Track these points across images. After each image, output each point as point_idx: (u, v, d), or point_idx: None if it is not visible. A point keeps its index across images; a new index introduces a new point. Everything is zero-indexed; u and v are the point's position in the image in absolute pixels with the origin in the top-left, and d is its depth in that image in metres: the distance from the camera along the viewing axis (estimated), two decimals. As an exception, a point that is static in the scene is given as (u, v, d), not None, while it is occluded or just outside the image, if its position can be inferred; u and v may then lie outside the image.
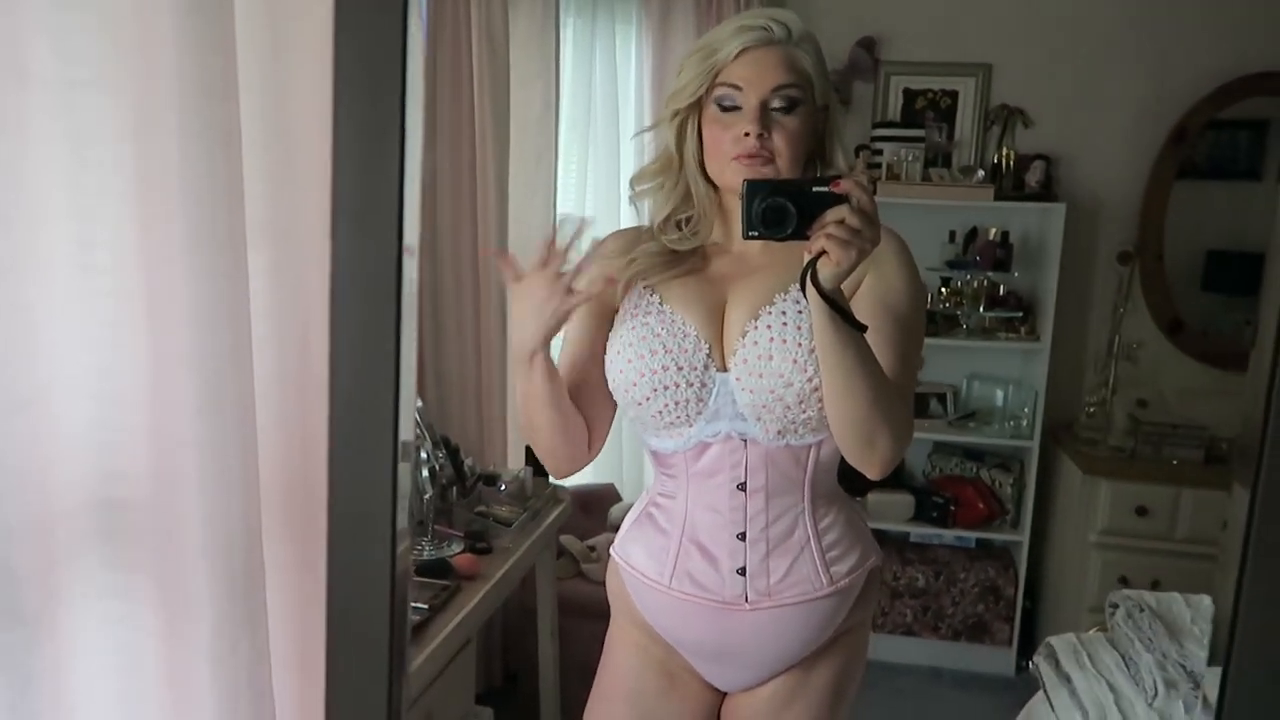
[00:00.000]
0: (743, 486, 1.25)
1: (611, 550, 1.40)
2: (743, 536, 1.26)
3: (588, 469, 3.29)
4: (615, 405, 1.32)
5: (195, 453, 0.90)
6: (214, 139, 0.89)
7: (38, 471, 0.86)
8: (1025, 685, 3.00)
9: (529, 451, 2.52)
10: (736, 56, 1.19)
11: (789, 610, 1.27)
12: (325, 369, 0.93)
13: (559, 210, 2.96)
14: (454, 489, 2.17)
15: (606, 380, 1.28)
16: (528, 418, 1.26)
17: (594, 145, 3.13)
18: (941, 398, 3.30)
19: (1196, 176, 3.17)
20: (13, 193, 0.83)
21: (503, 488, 2.34)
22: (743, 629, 1.28)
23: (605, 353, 1.28)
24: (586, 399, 1.29)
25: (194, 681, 0.93)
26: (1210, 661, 1.82)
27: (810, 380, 1.18)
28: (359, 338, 0.59)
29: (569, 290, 1.17)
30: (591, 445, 1.32)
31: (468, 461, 2.27)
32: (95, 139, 0.86)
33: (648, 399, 1.23)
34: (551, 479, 2.49)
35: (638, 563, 1.33)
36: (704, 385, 1.22)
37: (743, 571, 1.27)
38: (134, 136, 0.86)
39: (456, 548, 2.04)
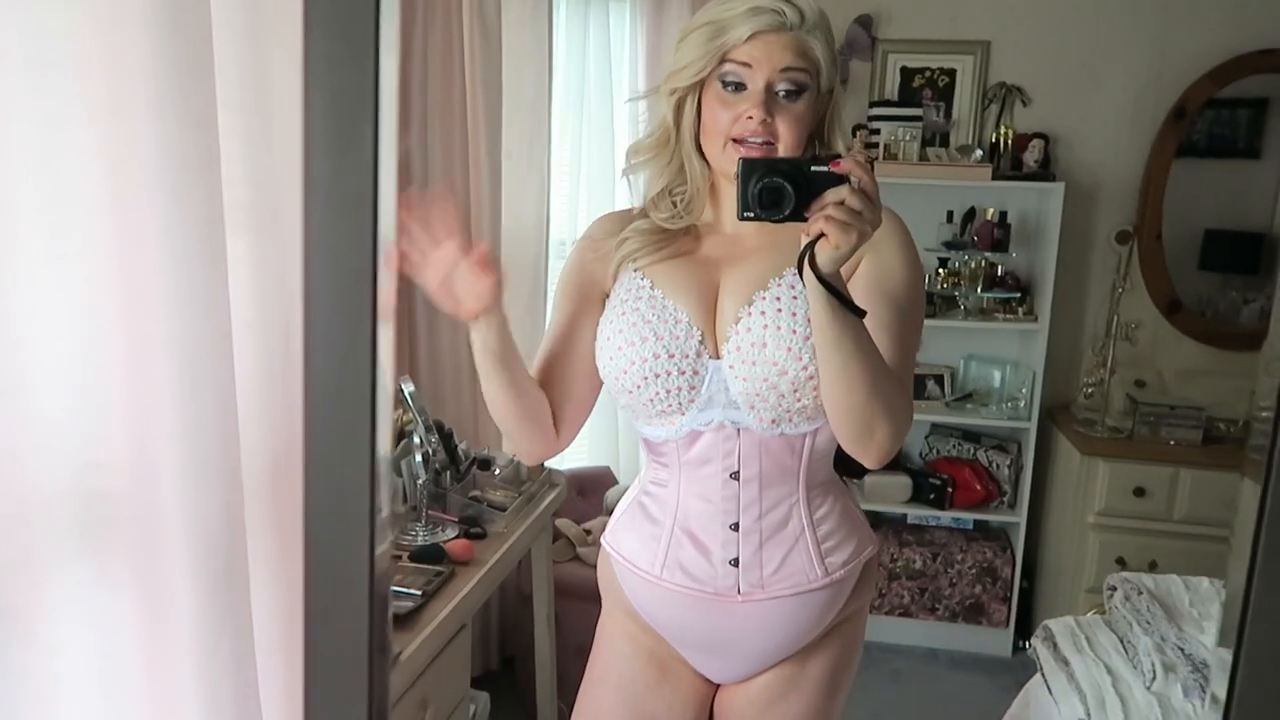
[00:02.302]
0: (736, 475, 1.22)
1: (602, 539, 1.37)
2: (736, 527, 1.23)
3: (583, 452, 3.28)
4: (592, 394, 1.29)
5: (174, 443, 0.88)
6: (189, 120, 0.86)
7: (13, 462, 0.85)
8: (1022, 666, 3.00)
9: (524, 436, 2.50)
10: (747, 40, 1.14)
11: (782, 602, 1.25)
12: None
13: (552, 192, 2.93)
14: (448, 473, 2.15)
15: (592, 367, 1.25)
16: (488, 397, 1.19)
17: (588, 127, 3.09)
18: (939, 379, 3.29)
19: (1195, 155, 3.14)
20: (-19, 178, 0.81)
21: (497, 472, 2.32)
22: (735, 621, 1.26)
23: (595, 339, 1.25)
24: (559, 386, 1.25)
25: (178, 673, 0.92)
26: (1220, 643, 1.80)
27: (805, 368, 1.15)
28: (335, 330, 0.57)
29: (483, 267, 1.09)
30: (560, 433, 1.27)
31: (461, 445, 2.25)
32: (66, 120, 0.84)
33: (638, 387, 1.20)
34: (545, 464, 2.48)
35: (628, 552, 1.31)
36: (696, 373, 1.19)
37: (735, 562, 1.24)
38: (106, 118, 0.84)
39: (451, 533, 2.02)
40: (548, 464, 2.50)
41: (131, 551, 0.90)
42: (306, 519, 0.56)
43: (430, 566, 1.87)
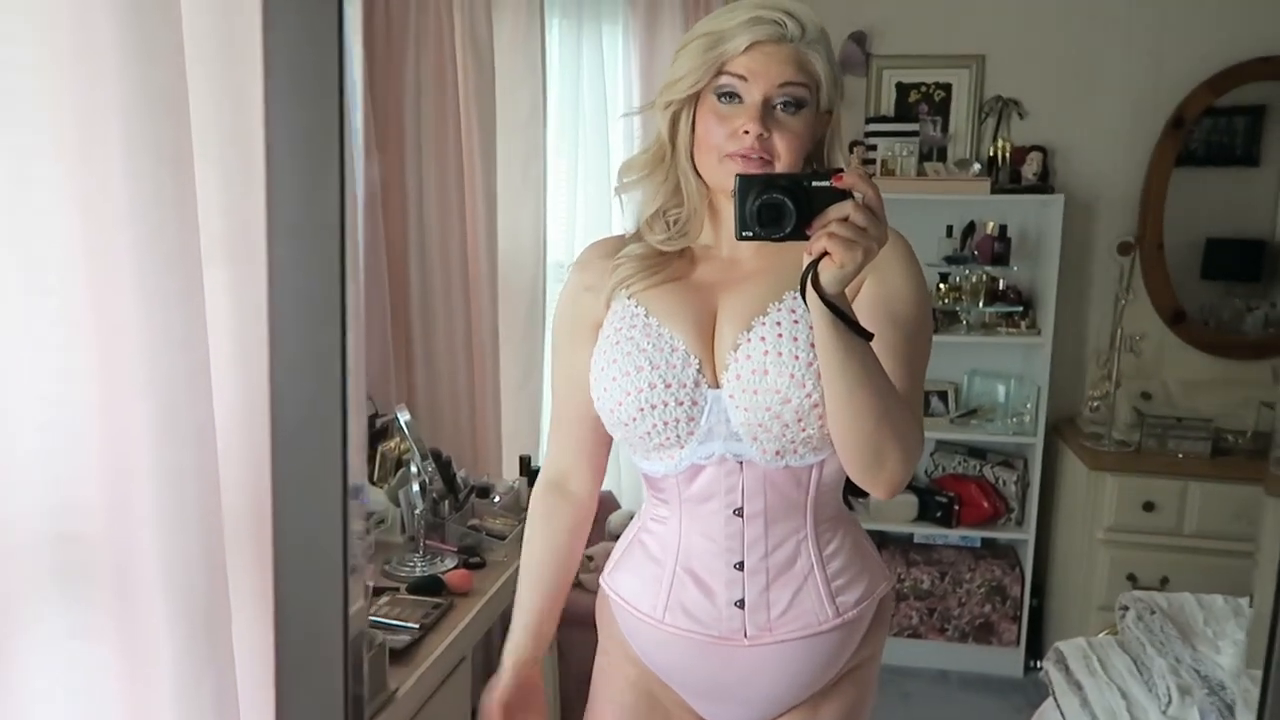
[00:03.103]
0: (740, 512, 1.16)
1: (601, 580, 1.31)
2: (740, 566, 1.17)
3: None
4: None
5: (152, 482, 0.85)
6: (163, 154, 0.84)
7: (-14, 509, 0.82)
8: (1034, 686, 2.95)
9: (524, 461, 2.47)
10: (745, 50, 1.09)
11: (791, 646, 1.18)
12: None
13: (549, 213, 2.91)
14: (446, 502, 2.12)
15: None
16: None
17: (583, 147, 3.08)
18: (943, 395, 3.26)
19: (1194, 164, 3.13)
20: (-53, 214, 0.79)
21: (496, 499, 2.29)
22: (741, 666, 1.19)
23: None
24: (590, 443, 1.27)
25: (159, 718, 0.89)
26: (1249, 664, 1.75)
27: (809, 396, 1.09)
28: (301, 365, 0.54)
29: None
30: (595, 497, 1.31)
31: (460, 473, 2.22)
32: (37, 154, 0.82)
33: (634, 419, 1.15)
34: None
35: (628, 594, 1.25)
36: (695, 404, 1.14)
37: (741, 604, 1.17)
38: (78, 151, 0.82)
39: (450, 563, 1.98)
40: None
41: (108, 595, 0.86)
42: (276, 574, 0.54)
43: (428, 598, 1.83)
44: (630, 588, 1.25)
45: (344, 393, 0.52)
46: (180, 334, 0.86)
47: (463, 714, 1.96)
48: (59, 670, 0.86)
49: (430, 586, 1.87)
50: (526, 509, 2.29)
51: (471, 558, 2.03)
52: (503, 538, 2.12)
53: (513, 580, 2.07)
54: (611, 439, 1.27)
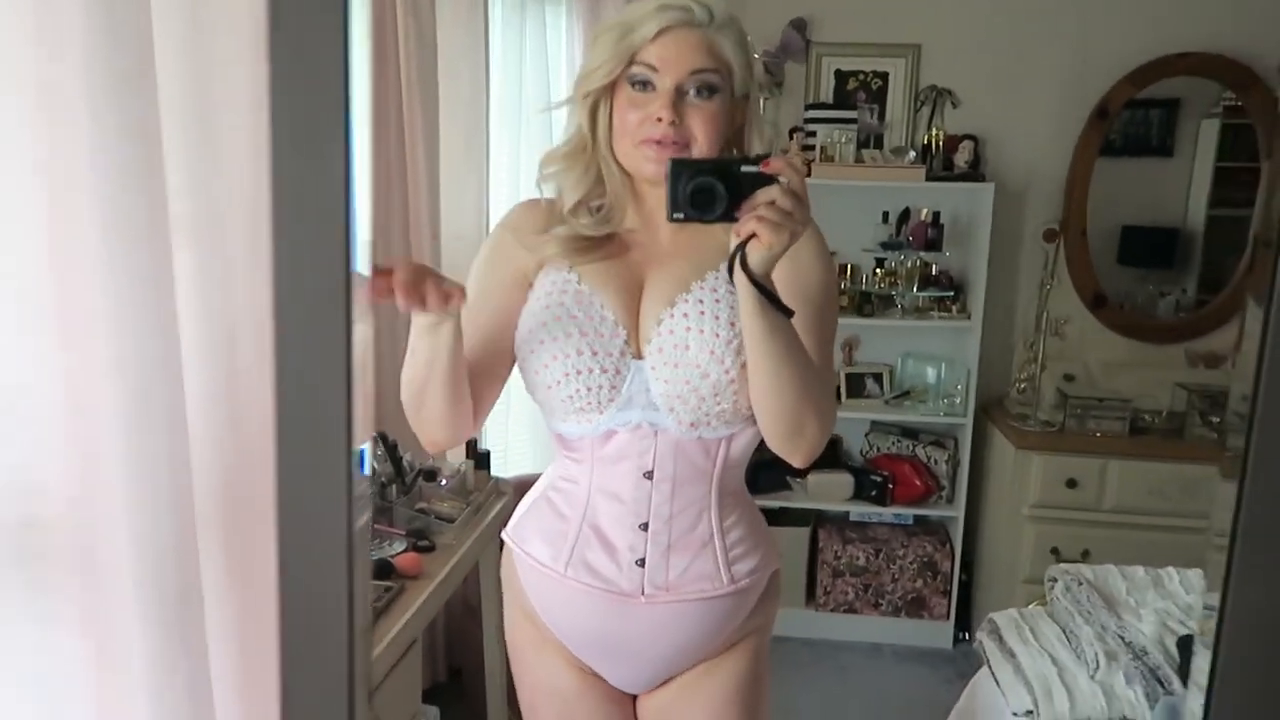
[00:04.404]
0: (650, 475, 1.21)
1: (504, 534, 1.34)
2: (645, 527, 1.22)
3: (529, 459, 3.23)
4: (507, 378, 1.26)
5: (121, 468, 0.84)
6: (129, 131, 0.82)
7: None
8: (964, 657, 3.07)
9: (470, 445, 2.46)
10: (655, 37, 1.13)
11: (686, 606, 1.23)
12: (257, 375, 0.88)
13: (491, 193, 2.89)
14: (393, 486, 2.10)
15: (514, 351, 1.22)
16: (418, 383, 1.15)
17: (525, 128, 3.06)
18: (878, 377, 3.34)
19: (1113, 154, 3.25)
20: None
21: (443, 482, 2.28)
22: (636, 623, 1.24)
23: (516, 326, 1.21)
24: (485, 371, 1.22)
25: (131, 709, 0.87)
26: (1202, 634, 1.85)
27: (727, 372, 1.15)
28: (307, 344, 0.54)
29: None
30: (477, 418, 1.24)
31: (406, 457, 2.20)
32: (-2, 132, 0.79)
33: (558, 383, 1.18)
34: (493, 471, 2.44)
35: (532, 548, 1.28)
36: (618, 372, 1.18)
37: (641, 563, 1.22)
38: (42, 131, 0.79)
39: (399, 547, 1.97)
40: (495, 473, 2.46)
41: (76, 584, 0.85)
42: (280, 546, 0.54)
43: (378, 582, 1.82)
44: (533, 542, 1.28)
45: (349, 390, 0.52)
46: (150, 316, 0.84)
47: (414, 696, 1.95)
48: (25, 656, 0.84)
49: (380, 570, 1.86)
50: (473, 492, 2.29)
51: (420, 541, 2.02)
52: (451, 520, 2.11)
53: (462, 563, 2.07)
54: (492, 382, 1.25)
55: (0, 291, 0.80)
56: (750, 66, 1.18)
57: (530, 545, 1.28)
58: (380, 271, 1.00)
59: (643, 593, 1.22)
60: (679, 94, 1.13)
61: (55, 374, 0.82)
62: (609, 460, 1.22)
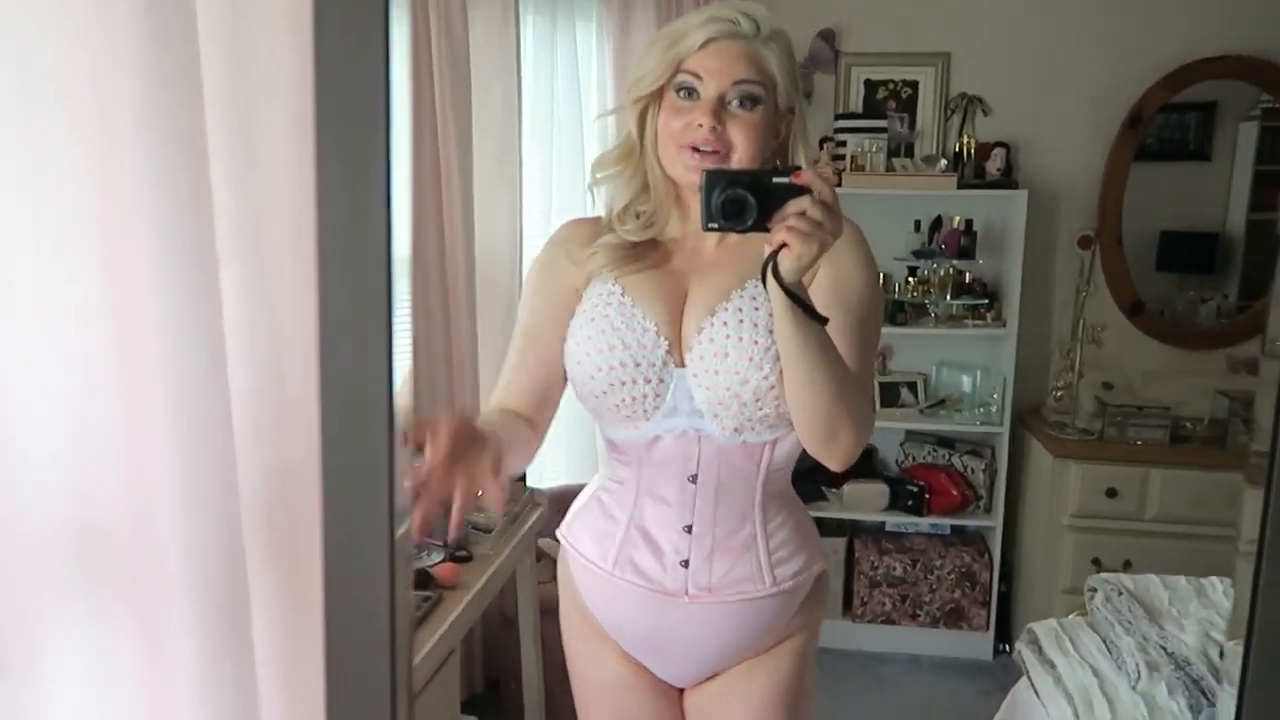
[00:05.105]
0: (694, 479, 1.24)
1: (558, 533, 1.39)
2: (689, 529, 1.25)
3: (563, 470, 3.25)
4: (562, 392, 1.30)
5: (170, 475, 0.87)
6: (179, 145, 0.85)
7: (5, 505, 0.83)
8: (1002, 669, 3.03)
9: (504, 456, 2.48)
10: (701, 47, 1.16)
11: (728, 607, 1.26)
12: (302, 386, 0.90)
13: (525, 210, 2.93)
14: (430, 497, 2.12)
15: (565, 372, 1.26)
16: None
17: (558, 144, 3.09)
18: (912, 386, 3.32)
19: (1149, 159, 3.22)
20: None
21: (480, 493, 2.30)
22: (679, 621, 1.27)
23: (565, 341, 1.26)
24: (550, 397, 1.27)
25: (179, 706, 0.90)
26: (1230, 636, 1.82)
27: (767, 378, 1.17)
28: (349, 358, 0.56)
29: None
30: (541, 437, 1.27)
31: (442, 468, 2.23)
32: (53, 147, 0.82)
33: (604, 392, 1.22)
34: (529, 482, 2.46)
35: (582, 546, 1.33)
36: (662, 381, 1.21)
37: (685, 564, 1.26)
38: (94, 144, 0.83)
39: (436, 557, 2.00)
40: (530, 484, 2.48)
41: (128, 585, 0.88)
42: (326, 549, 0.56)
43: (417, 592, 1.84)
44: (584, 541, 1.33)
45: (390, 396, 0.55)
46: (198, 327, 0.87)
47: (452, 706, 1.97)
48: (80, 658, 0.87)
49: (419, 581, 1.89)
50: (510, 502, 2.31)
51: (458, 551, 2.04)
52: (488, 531, 2.14)
53: (500, 573, 2.09)
54: (556, 401, 1.29)
55: (58, 301, 0.83)
56: (796, 81, 1.21)
57: (581, 543, 1.33)
58: (422, 423, 0.98)
59: (686, 593, 1.26)
60: (721, 103, 1.16)
61: (110, 382, 0.85)
62: (655, 464, 1.25)
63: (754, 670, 1.32)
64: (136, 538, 0.87)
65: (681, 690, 1.38)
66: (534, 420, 1.26)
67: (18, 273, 0.83)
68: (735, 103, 1.16)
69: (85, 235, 0.84)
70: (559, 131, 3.07)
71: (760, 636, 1.30)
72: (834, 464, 1.18)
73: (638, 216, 1.26)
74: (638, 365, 1.20)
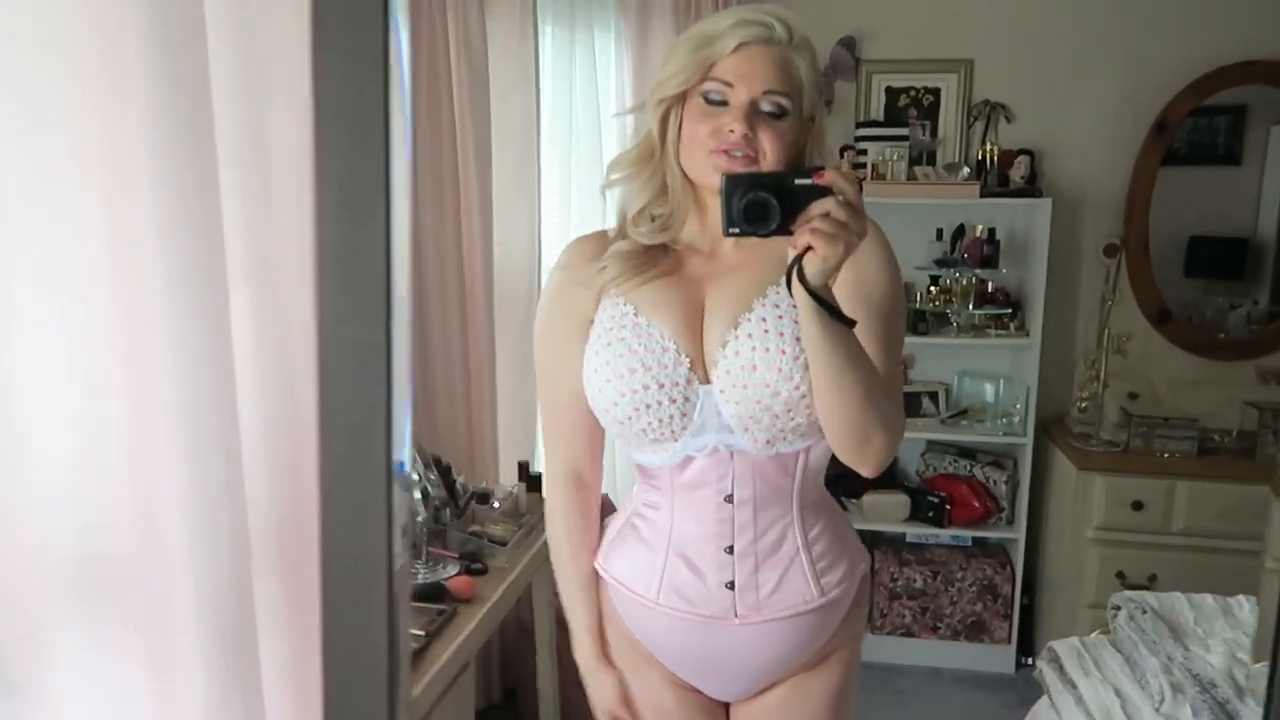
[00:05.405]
0: (730, 498, 1.21)
1: (595, 564, 1.36)
2: (731, 550, 1.23)
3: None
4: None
5: (180, 503, 0.87)
6: (190, 180, 0.85)
7: (14, 526, 0.83)
8: (1025, 683, 2.99)
9: (522, 467, 2.48)
10: (733, 51, 1.14)
11: (779, 624, 1.24)
12: (312, 413, 0.90)
13: (543, 219, 2.93)
14: (447, 509, 2.13)
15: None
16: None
17: (576, 153, 3.09)
18: (933, 396, 3.29)
19: (1177, 163, 3.16)
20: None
21: (496, 505, 2.31)
22: (731, 644, 1.25)
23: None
24: (590, 436, 1.30)
25: (187, 737, 0.90)
26: (1255, 657, 1.77)
27: (798, 388, 1.14)
28: (349, 389, 0.56)
29: None
30: (598, 483, 1.36)
31: (460, 479, 2.23)
32: (65, 181, 0.83)
33: (629, 418, 1.19)
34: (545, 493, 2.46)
35: (623, 577, 1.30)
36: (687, 400, 1.18)
37: (731, 585, 1.23)
38: (105, 179, 0.83)
39: (452, 570, 2.00)
40: (545, 495, 2.48)
41: (138, 616, 0.88)
42: (324, 579, 0.55)
43: (432, 605, 1.85)
44: (624, 570, 1.30)
45: (389, 413, 0.54)
46: (207, 353, 0.87)
47: (467, 715, 1.97)
48: (88, 680, 0.87)
49: (433, 594, 1.89)
50: (525, 514, 2.31)
51: (473, 564, 2.05)
52: (503, 543, 2.14)
53: (515, 585, 2.09)
54: (604, 439, 1.33)
55: (68, 333, 0.84)
56: (819, 89, 1.20)
57: (621, 574, 1.31)
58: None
59: (735, 614, 1.24)
60: (753, 109, 1.14)
61: (120, 412, 0.86)
62: (688, 487, 1.23)
63: (803, 685, 1.31)
64: (146, 563, 0.88)
65: (727, 705, 1.36)
66: (594, 478, 1.36)
67: (29, 300, 0.83)
68: (766, 110, 1.14)
69: (96, 264, 0.84)
70: (577, 141, 3.07)
71: (809, 648, 1.28)
72: (867, 469, 1.16)
73: (653, 220, 1.22)
74: (661, 386, 1.17)
